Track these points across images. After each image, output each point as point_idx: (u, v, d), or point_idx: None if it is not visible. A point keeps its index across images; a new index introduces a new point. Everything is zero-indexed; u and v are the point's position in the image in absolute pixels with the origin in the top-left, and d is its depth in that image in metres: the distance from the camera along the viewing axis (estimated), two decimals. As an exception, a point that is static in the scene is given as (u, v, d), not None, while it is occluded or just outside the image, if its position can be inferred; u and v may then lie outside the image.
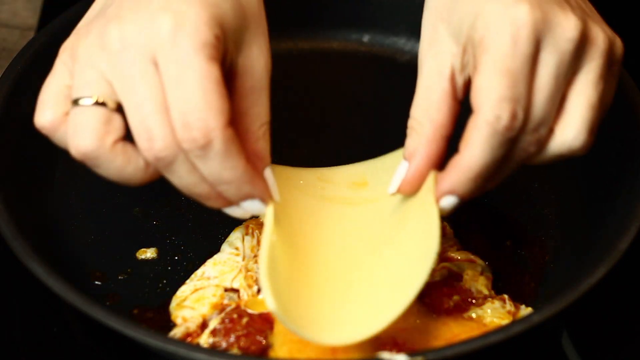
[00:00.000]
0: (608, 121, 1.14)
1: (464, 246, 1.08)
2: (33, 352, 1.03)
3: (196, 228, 1.11)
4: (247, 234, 1.08)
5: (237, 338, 0.98)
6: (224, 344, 0.98)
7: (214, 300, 1.02)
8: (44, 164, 1.14)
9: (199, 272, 1.05)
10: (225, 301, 1.02)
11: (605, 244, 1.00)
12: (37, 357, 1.03)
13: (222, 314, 1.00)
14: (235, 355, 0.95)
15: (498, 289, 1.05)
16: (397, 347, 0.96)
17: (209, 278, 1.04)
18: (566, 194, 1.15)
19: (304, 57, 1.32)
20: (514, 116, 0.89)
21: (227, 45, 0.91)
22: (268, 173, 0.96)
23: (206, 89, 0.87)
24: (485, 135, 0.90)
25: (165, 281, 1.06)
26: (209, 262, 1.06)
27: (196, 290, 1.03)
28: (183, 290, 1.04)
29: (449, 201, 0.95)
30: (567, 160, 1.18)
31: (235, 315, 1.00)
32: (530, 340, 1.02)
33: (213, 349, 0.97)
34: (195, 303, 1.02)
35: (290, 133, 1.22)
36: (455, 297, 1.02)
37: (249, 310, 1.00)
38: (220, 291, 1.02)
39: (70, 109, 0.90)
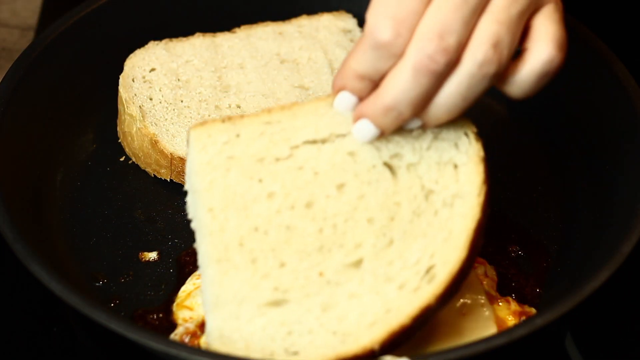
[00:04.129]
0: (609, 123, 1.15)
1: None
2: (33, 352, 1.03)
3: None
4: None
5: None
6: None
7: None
8: (46, 166, 1.14)
9: (198, 272, 1.05)
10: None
11: (608, 248, 1.00)
12: (37, 357, 1.03)
13: (223, 315, 1.00)
14: (235, 357, 0.95)
15: (502, 291, 1.05)
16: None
17: (209, 278, 1.04)
18: (569, 198, 1.15)
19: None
20: (437, 52, 0.87)
21: None
22: None
23: None
24: (404, 68, 0.88)
25: (166, 283, 1.06)
26: (210, 263, 1.06)
27: (196, 289, 1.03)
28: (183, 290, 1.04)
29: (364, 125, 0.92)
30: (568, 162, 1.18)
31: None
32: (534, 344, 1.03)
33: (214, 352, 0.97)
34: (195, 304, 1.02)
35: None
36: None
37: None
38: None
39: None
